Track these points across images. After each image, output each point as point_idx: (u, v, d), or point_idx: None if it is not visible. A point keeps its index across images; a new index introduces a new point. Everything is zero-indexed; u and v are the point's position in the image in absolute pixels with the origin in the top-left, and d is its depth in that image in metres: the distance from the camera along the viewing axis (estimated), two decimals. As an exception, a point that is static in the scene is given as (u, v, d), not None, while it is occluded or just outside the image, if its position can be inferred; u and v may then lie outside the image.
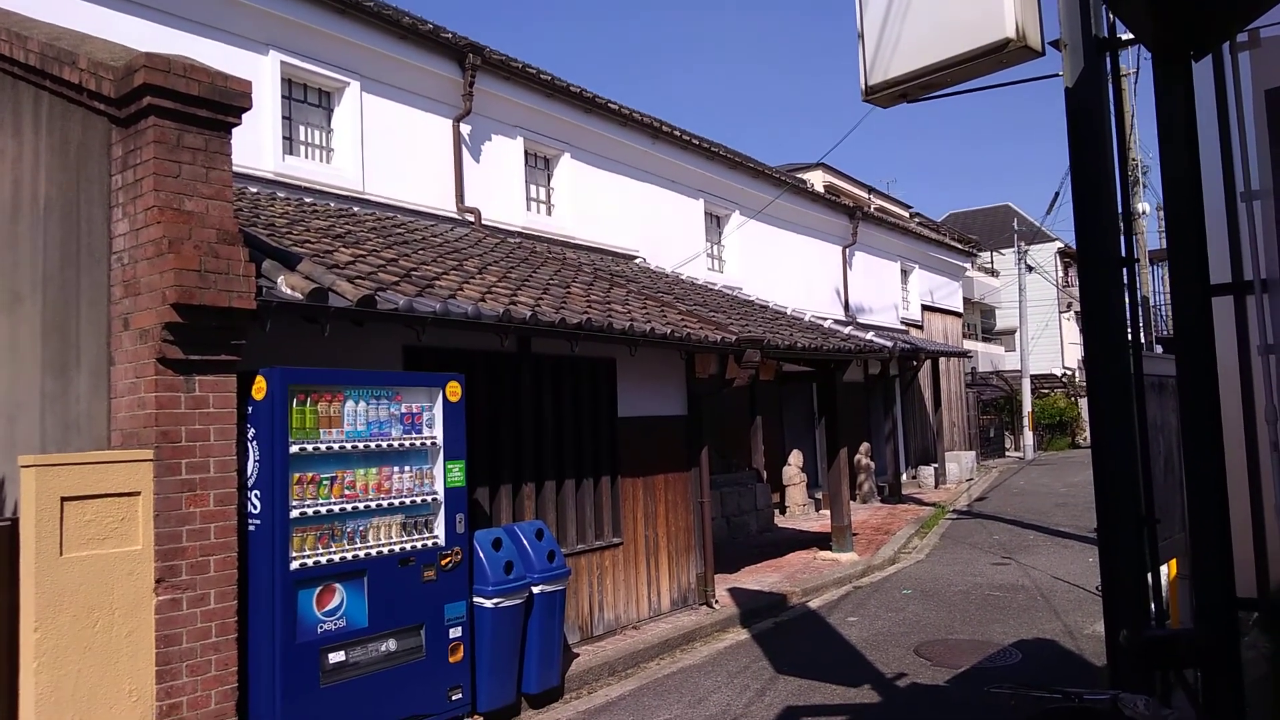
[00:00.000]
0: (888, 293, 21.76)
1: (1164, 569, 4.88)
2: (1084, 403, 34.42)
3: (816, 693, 6.49)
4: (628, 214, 13.53)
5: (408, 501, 5.59)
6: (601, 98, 12.56)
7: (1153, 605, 3.85)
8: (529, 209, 12.04)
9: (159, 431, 4.51)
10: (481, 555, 6.01)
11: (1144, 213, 19.35)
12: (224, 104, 4.79)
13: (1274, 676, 3.65)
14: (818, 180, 21.46)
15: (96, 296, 4.91)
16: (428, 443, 5.74)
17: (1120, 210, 3.90)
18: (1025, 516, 15.49)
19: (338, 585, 5.15)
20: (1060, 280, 39.63)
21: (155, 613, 4.45)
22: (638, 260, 13.51)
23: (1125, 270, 3.88)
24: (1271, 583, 3.56)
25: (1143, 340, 4.31)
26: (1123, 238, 3.92)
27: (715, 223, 16.06)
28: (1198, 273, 3.47)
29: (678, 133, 14.18)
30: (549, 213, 12.43)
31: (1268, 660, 3.77)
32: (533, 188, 12.24)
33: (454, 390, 5.87)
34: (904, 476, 20.29)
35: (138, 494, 4.44)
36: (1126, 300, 3.90)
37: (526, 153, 11.99)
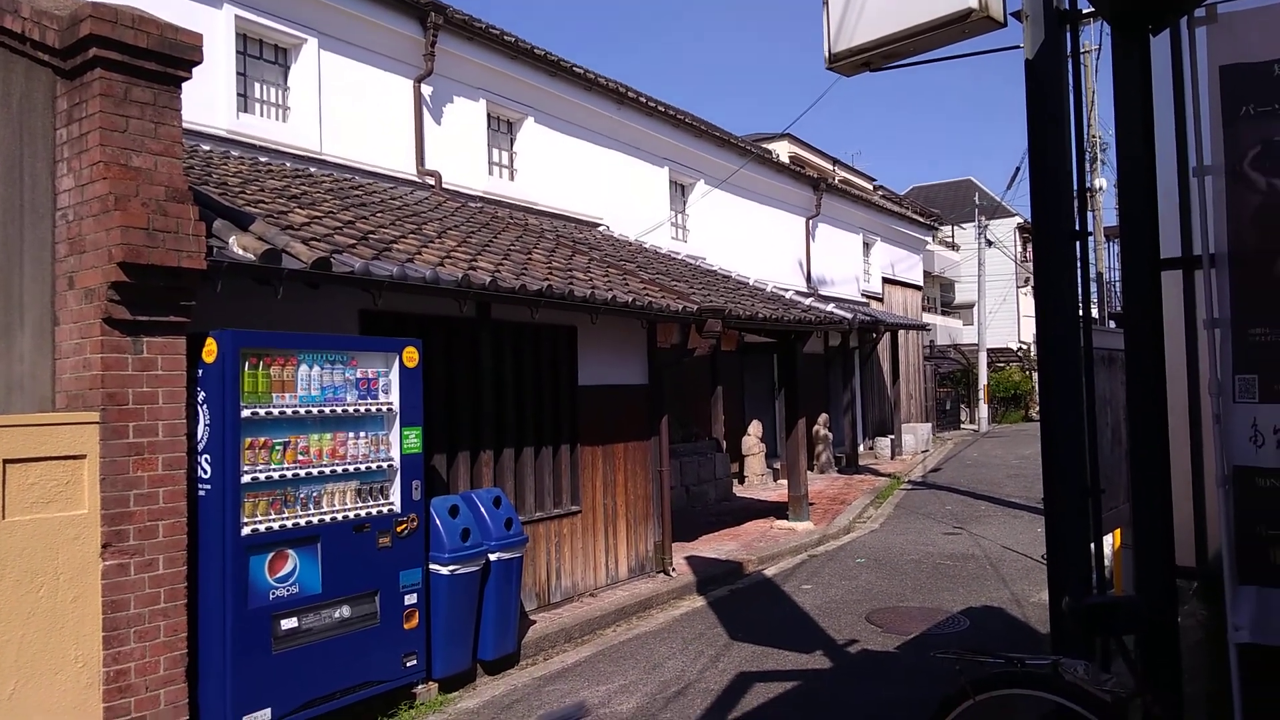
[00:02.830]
0: (849, 265, 21.89)
1: (1108, 539, 5.00)
2: (1037, 376, 34.95)
3: (769, 659, 6.58)
4: (591, 181, 13.43)
5: (363, 468, 5.54)
6: (566, 61, 12.41)
7: (1095, 574, 3.94)
8: (491, 173, 11.90)
9: (105, 394, 4.41)
10: (438, 522, 5.98)
11: (1101, 189, 19.61)
12: (174, 57, 4.65)
13: (1209, 643, 3.76)
14: (783, 151, 21.46)
15: (40, 254, 4.77)
16: (384, 408, 5.68)
17: (1076, 184, 3.94)
18: (978, 488, 15.77)
19: (290, 551, 5.10)
20: (1019, 255, 40.13)
21: (102, 578, 4.38)
22: (601, 228, 13.43)
23: (1079, 244, 3.92)
24: (1210, 553, 3.65)
25: (1094, 315, 4.37)
26: (1078, 213, 3.96)
27: (680, 191, 16.01)
28: (1148, 246, 3.52)
29: (643, 99, 14.07)
30: (511, 177, 12.30)
31: (1203, 627, 3.89)
32: (495, 151, 12.09)
33: (411, 356, 5.81)
34: (861, 447, 20.55)
35: (83, 457, 4.35)
36: (1079, 274, 3.95)
37: (489, 116, 11.83)
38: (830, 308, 14.02)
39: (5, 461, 4.14)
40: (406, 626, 5.66)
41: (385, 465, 5.67)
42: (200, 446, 4.90)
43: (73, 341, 4.57)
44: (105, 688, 4.35)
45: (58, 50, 4.55)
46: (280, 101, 9.53)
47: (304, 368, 5.24)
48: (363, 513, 5.49)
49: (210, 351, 4.87)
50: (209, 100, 8.40)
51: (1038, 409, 35.47)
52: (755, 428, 16.28)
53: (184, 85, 4.79)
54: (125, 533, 4.45)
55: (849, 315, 13.87)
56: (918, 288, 26.77)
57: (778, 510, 12.65)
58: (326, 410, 5.35)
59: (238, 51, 9.01)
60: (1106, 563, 4.58)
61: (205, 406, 4.90)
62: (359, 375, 5.54)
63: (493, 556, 6.25)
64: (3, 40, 4.92)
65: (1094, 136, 19.65)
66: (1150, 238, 3.51)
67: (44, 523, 4.23)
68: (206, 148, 8.27)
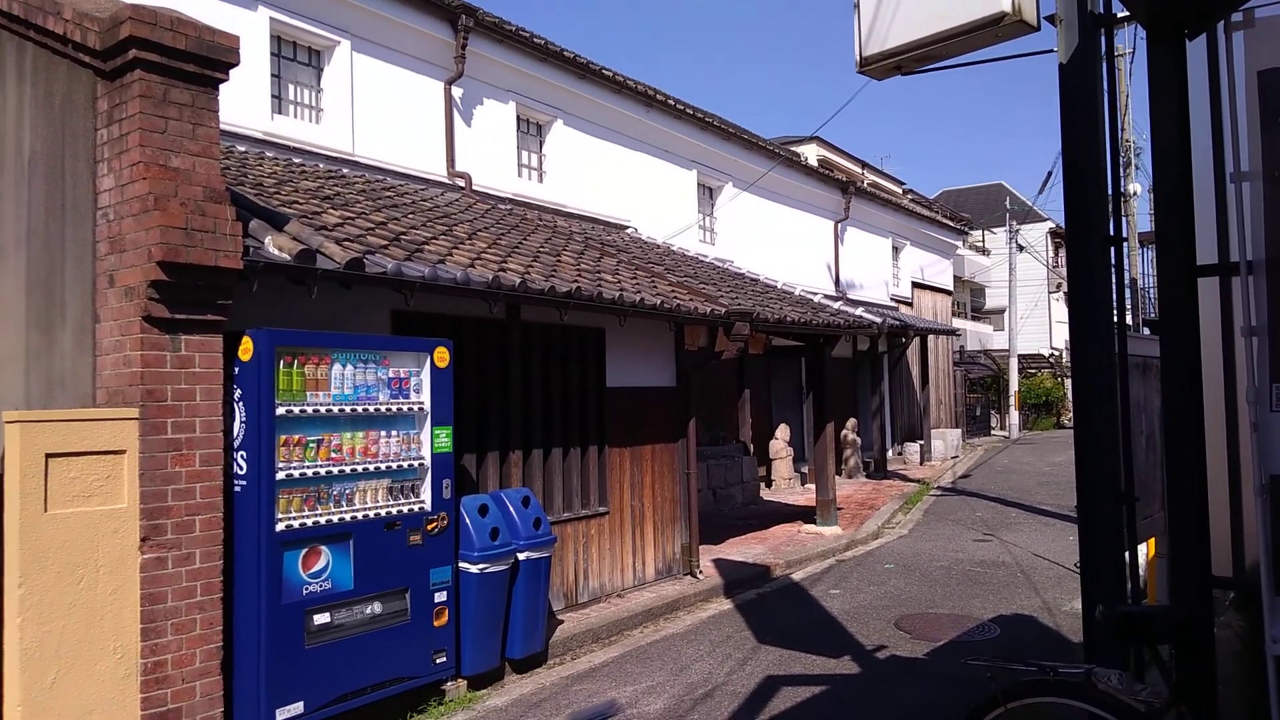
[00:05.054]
0: (878, 269, 21.77)
1: (1142, 547, 4.95)
2: (1070, 383, 34.59)
3: (797, 663, 6.57)
4: (620, 183, 13.46)
5: (394, 466, 5.60)
6: (595, 64, 12.45)
7: (1130, 583, 3.90)
8: (520, 175, 11.97)
9: (144, 390, 4.49)
10: (468, 521, 6.03)
11: (1134, 194, 19.37)
12: (212, 59, 4.72)
13: (1245, 654, 3.71)
14: (811, 154, 21.38)
15: (82, 253, 4.87)
16: (415, 408, 5.74)
17: (1110, 189, 3.90)
18: (1008, 494, 15.63)
19: (323, 547, 5.16)
20: (1050, 260, 39.69)
21: (140, 571, 4.45)
22: (629, 230, 13.46)
23: (1113, 249, 3.89)
24: (1247, 562, 3.61)
25: (1128, 321, 4.33)
26: (1112, 218, 3.93)
27: (708, 194, 16.01)
28: (1184, 252, 3.49)
29: (672, 101, 14.08)
30: (540, 180, 12.35)
31: (1240, 638, 3.84)
32: (524, 154, 12.16)
33: (442, 356, 5.86)
34: (890, 453, 20.42)
35: (123, 452, 4.43)
36: (1113, 280, 3.92)
37: (519, 118, 11.90)
38: (859, 312, 13.96)
39: (47, 456, 4.22)
40: (436, 624, 5.71)
41: (416, 464, 5.72)
42: (236, 443, 4.97)
43: (113, 339, 4.66)
44: (143, 678, 4.43)
45: (98, 52, 4.63)
46: (314, 103, 9.64)
47: (337, 367, 5.31)
48: (394, 510, 5.55)
49: (246, 350, 4.94)
50: (244, 102, 8.52)
51: (1070, 416, 35.12)
52: (782, 431, 16.24)
53: (220, 86, 4.87)
54: (163, 527, 4.53)
55: (878, 319, 13.80)
56: (948, 292, 26.57)
57: (805, 514, 12.60)
58: (359, 409, 5.41)
59: (272, 53, 9.13)
60: (1140, 571, 4.53)
61: (241, 404, 4.97)
62: (391, 375, 5.60)
63: (521, 556, 6.29)
64: (45, 42, 5.03)
65: (1127, 141, 19.42)
66: (1187, 244, 3.47)
67: (85, 516, 4.32)
68: (242, 148, 8.39)
